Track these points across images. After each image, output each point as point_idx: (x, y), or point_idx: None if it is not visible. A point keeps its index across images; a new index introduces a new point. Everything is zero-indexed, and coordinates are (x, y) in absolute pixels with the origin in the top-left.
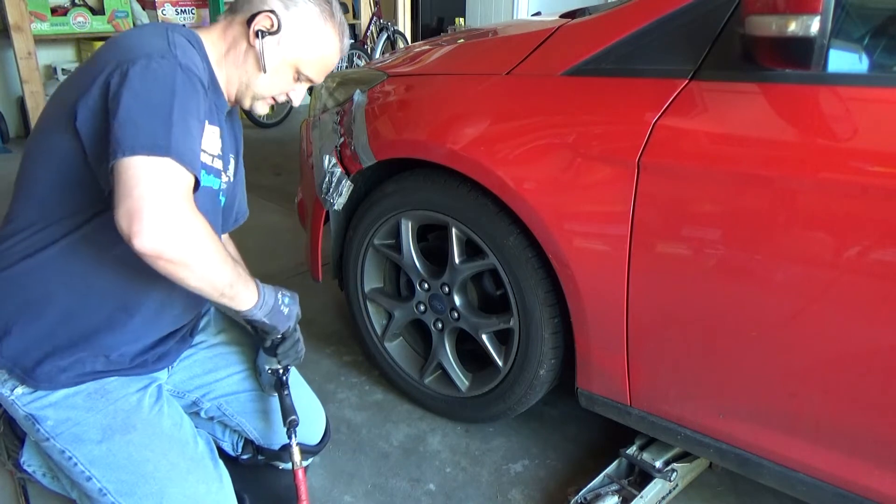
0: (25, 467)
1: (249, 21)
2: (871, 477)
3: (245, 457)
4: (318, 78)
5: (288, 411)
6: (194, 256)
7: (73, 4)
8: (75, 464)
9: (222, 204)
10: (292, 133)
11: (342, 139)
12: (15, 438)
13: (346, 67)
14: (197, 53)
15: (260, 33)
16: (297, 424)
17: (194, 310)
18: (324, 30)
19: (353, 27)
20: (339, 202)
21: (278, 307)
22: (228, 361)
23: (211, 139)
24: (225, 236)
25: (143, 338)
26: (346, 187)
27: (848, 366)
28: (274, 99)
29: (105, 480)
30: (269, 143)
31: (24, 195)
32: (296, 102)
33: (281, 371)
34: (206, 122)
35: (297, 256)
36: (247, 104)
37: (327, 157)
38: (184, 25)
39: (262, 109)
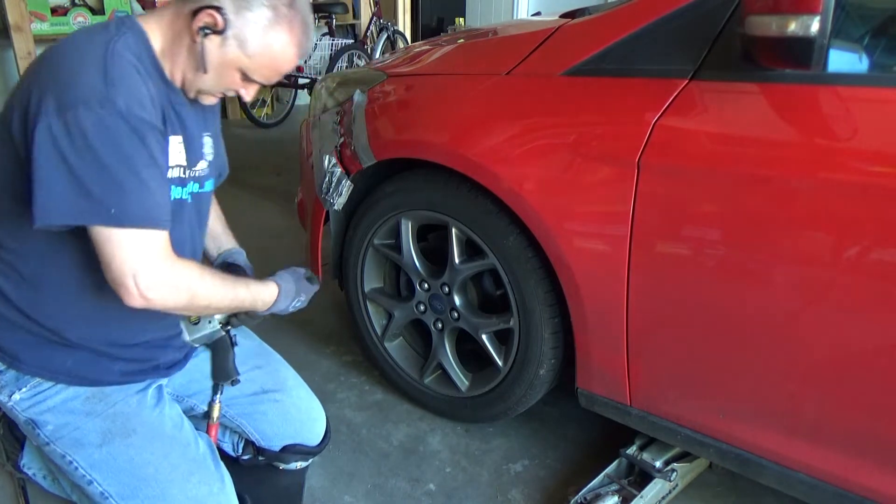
0: (25, 470)
1: (194, 15)
2: (871, 477)
3: (245, 457)
4: (268, 81)
5: (231, 372)
6: (187, 301)
7: (73, 4)
8: (76, 468)
9: (201, 188)
10: (292, 133)
11: (342, 139)
12: (14, 441)
13: (346, 67)
14: (139, 61)
15: (202, 31)
16: (237, 383)
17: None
18: (274, 35)
19: (353, 27)
20: (339, 202)
21: (286, 310)
22: None
23: (175, 151)
24: (213, 209)
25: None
26: (346, 187)
27: (848, 366)
28: (224, 94)
29: (106, 484)
30: (269, 143)
31: None
32: (247, 98)
33: (232, 330)
34: (170, 136)
35: (297, 256)
36: (191, 95)
37: (327, 157)
38: (130, 15)
39: (209, 101)
